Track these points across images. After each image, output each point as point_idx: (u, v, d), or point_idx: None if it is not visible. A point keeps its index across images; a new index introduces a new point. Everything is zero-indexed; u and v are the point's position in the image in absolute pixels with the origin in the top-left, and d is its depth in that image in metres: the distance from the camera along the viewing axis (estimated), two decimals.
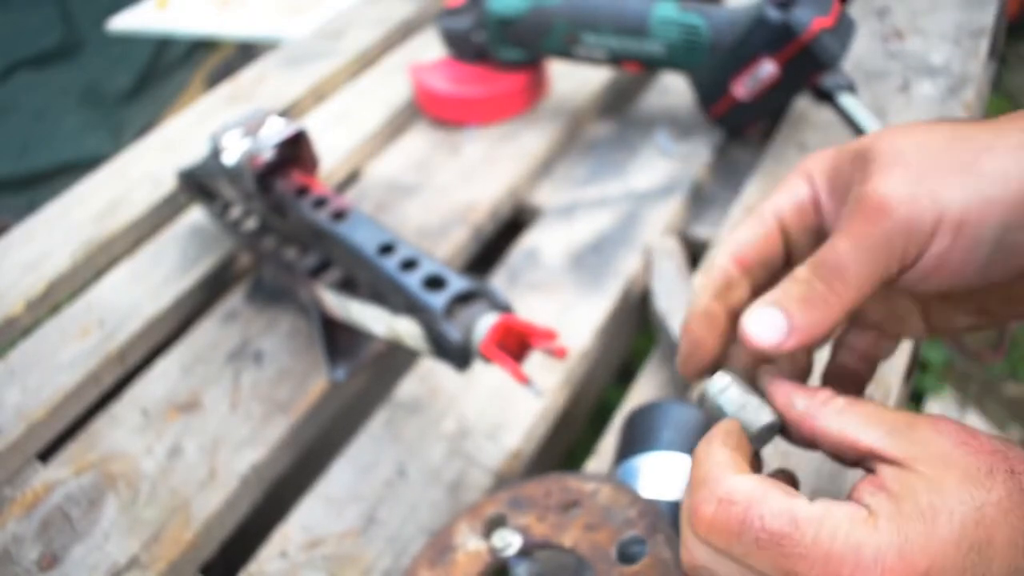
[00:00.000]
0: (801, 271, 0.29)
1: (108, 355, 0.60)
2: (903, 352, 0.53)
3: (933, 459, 0.25)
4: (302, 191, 0.56)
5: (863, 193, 0.27)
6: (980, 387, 1.36)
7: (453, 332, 0.45)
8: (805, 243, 0.32)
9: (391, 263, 0.49)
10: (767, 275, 0.32)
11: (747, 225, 0.31)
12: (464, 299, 0.46)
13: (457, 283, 0.47)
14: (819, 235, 0.31)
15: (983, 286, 0.28)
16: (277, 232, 0.60)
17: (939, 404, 1.31)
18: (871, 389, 0.51)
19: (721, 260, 0.31)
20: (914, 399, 1.31)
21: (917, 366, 0.58)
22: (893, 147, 0.27)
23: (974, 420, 1.30)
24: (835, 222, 0.30)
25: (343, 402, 0.59)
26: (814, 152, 0.31)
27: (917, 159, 0.27)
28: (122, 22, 1.36)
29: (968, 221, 0.26)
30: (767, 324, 0.28)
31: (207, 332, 0.61)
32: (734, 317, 0.31)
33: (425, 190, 0.72)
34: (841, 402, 0.28)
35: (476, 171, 0.74)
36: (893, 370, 0.52)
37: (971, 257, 0.26)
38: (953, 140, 0.27)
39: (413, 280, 0.48)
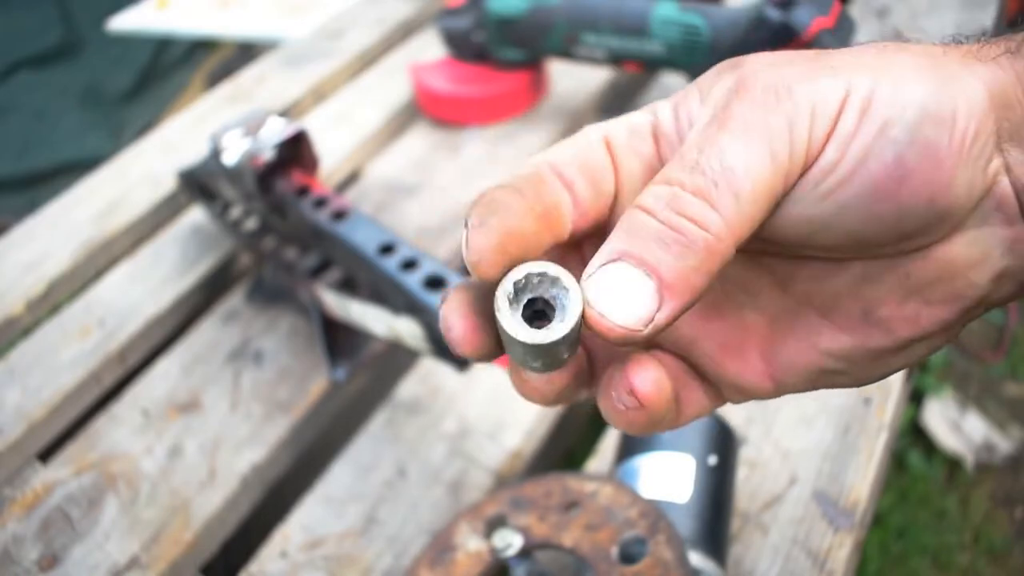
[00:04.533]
0: (659, 190, 0.19)
1: (108, 355, 0.59)
2: None
3: None
4: (302, 191, 0.56)
5: (743, 77, 0.20)
6: (980, 387, 1.36)
7: None
8: (637, 179, 0.23)
9: (391, 263, 0.49)
10: (594, 197, 0.22)
11: (563, 143, 0.22)
12: None
13: (458, 283, 0.47)
14: (653, 173, 0.22)
15: (876, 243, 0.21)
16: (277, 232, 0.60)
17: (939, 404, 1.31)
18: (872, 389, 0.51)
19: (534, 162, 0.22)
20: (914, 399, 1.31)
21: (917, 366, 0.58)
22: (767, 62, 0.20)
23: (974, 420, 1.30)
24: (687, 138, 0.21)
25: (343, 402, 0.59)
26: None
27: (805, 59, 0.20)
28: (122, 22, 1.36)
29: (877, 100, 0.19)
30: (623, 294, 0.19)
31: (207, 332, 0.61)
32: (549, 223, 0.21)
33: (425, 190, 0.72)
34: None
35: (476, 171, 0.74)
36: None
37: (877, 153, 0.19)
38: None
39: (413, 280, 0.48)
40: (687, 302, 0.19)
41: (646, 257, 0.19)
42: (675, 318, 0.19)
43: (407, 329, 0.48)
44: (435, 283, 0.47)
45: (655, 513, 0.37)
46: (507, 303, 0.19)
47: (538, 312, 0.19)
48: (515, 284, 0.19)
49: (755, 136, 0.19)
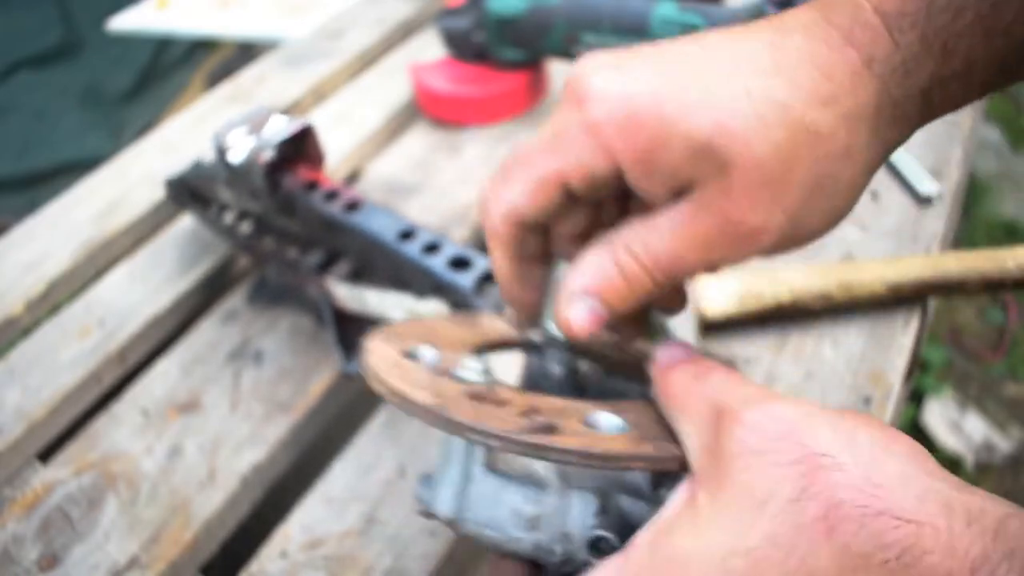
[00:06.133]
0: (625, 249, 0.27)
1: (108, 355, 0.59)
2: (903, 352, 0.53)
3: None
4: (311, 186, 0.56)
5: (730, 222, 0.26)
6: (980, 387, 1.36)
7: (487, 307, 0.46)
8: (594, 195, 0.30)
9: (414, 248, 0.50)
10: (550, 222, 0.30)
11: (522, 186, 0.29)
12: (491, 278, 0.47)
13: (483, 262, 0.48)
14: (615, 194, 0.30)
15: None
16: (275, 233, 0.60)
17: (939, 404, 1.32)
18: (872, 390, 0.51)
19: (497, 224, 0.30)
20: (914, 399, 1.31)
21: (917, 366, 0.58)
22: (749, 154, 0.24)
23: (974, 420, 1.30)
24: (659, 207, 0.27)
25: (343, 401, 0.59)
26: (600, 113, 0.27)
27: (779, 174, 0.25)
28: (122, 22, 1.36)
29: (817, 233, 0.28)
30: (581, 314, 0.28)
31: (207, 332, 0.61)
32: (544, 258, 0.31)
33: (425, 190, 0.72)
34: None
35: (476, 171, 0.74)
36: (893, 370, 0.52)
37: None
38: (801, 140, 0.25)
39: (438, 262, 0.49)
40: (624, 313, 0.29)
41: (601, 295, 0.28)
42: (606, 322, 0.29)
43: (433, 311, 0.48)
44: (460, 263, 0.49)
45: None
46: None
47: None
48: None
49: (710, 257, 0.27)
